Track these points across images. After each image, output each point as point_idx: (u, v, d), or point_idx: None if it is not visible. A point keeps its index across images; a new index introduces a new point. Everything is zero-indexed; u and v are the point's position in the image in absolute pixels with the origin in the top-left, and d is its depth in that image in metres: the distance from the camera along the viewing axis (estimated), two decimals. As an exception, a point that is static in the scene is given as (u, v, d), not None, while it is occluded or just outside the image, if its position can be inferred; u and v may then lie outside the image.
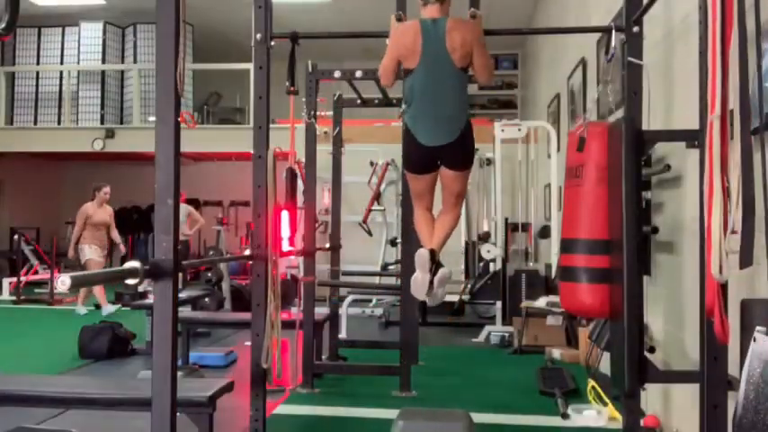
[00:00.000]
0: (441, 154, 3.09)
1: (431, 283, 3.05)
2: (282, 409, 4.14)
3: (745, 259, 1.64)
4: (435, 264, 3.07)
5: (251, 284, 3.56)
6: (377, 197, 8.17)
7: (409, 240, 4.33)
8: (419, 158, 3.14)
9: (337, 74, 4.67)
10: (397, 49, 3.10)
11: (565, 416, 3.90)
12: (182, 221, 9.62)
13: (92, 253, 7.86)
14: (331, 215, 5.74)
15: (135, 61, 11.01)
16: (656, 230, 3.52)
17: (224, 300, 7.51)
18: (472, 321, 7.57)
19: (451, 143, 3.05)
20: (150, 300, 5.58)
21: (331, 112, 5.51)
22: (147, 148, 10.07)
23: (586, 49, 5.55)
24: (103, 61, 10.99)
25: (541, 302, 6.03)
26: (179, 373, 2.18)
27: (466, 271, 8.32)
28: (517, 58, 12.21)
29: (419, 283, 3.06)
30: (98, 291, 8.03)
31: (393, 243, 7.91)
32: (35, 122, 11.15)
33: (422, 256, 3.08)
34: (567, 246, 3.00)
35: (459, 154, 3.12)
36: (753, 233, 1.64)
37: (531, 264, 8.11)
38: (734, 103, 1.68)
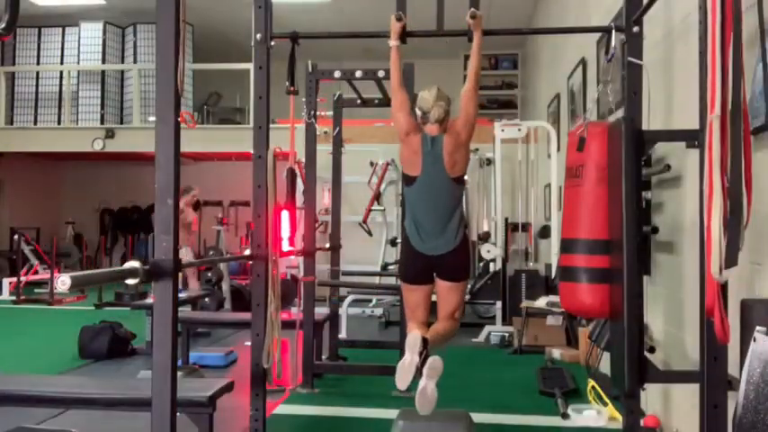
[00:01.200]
0: (437, 264, 3.17)
1: (419, 370, 2.82)
2: (282, 409, 4.14)
3: (731, 259, 1.64)
4: (426, 351, 2.86)
5: (251, 284, 3.56)
6: (377, 197, 8.17)
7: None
8: (415, 267, 3.22)
9: (337, 74, 4.67)
10: (401, 141, 3.23)
11: (565, 416, 3.90)
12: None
13: (187, 254, 7.48)
14: (331, 215, 5.74)
15: (135, 61, 11.00)
16: (656, 230, 3.52)
17: (224, 300, 7.51)
18: (472, 321, 7.56)
19: (448, 253, 3.14)
20: (150, 300, 5.58)
21: (331, 112, 5.51)
22: (147, 148, 10.08)
23: (586, 49, 5.55)
24: (103, 61, 10.99)
25: (541, 302, 6.03)
26: (179, 373, 2.18)
27: (466, 271, 8.30)
28: (517, 58, 12.20)
29: (405, 367, 2.82)
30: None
31: (393, 243, 7.90)
32: (35, 122, 11.14)
33: (412, 337, 2.90)
34: (566, 246, 3.00)
35: (456, 265, 3.19)
36: (738, 233, 1.65)
37: (531, 264, 8.11)
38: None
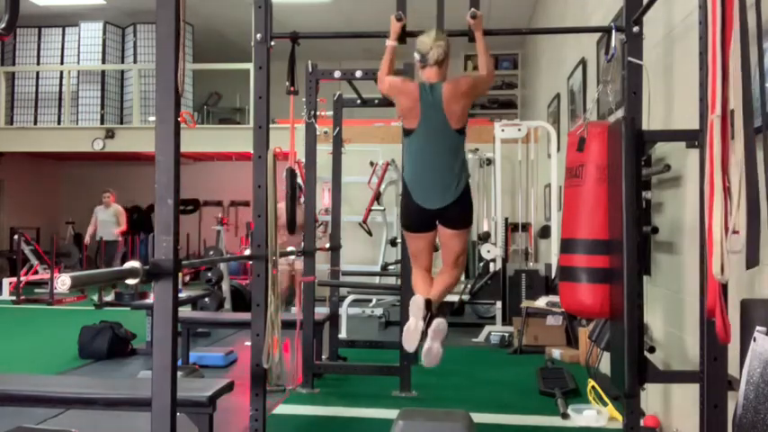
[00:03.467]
0: (438, 214, 3.14)
1: (425, 333, 2.87)
2: (282, 409, 4.14)
3: (752, 260, 1.63)
4: (430, 313, 2.92)
5: (251, 284, 3.56)
6: (377, 197, 8.17)
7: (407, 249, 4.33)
8: (416, 218, 3.18)
9: (337, 74, 4.67)
10: (396, 95, 3.18)
11: (565, 416, 3.90)
12: (112, 221, 9.96)
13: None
14: (331, 215, 5.74)
15: (135, 61, 11.01)
16: (656, 230, 3.52)
17: (224, 300, 7.51)
18: (472, 321, 7.57)
19: (449, 205, 3.10)
20: (150, 300, 5.58)
21: (331, 112, 5.51)
22: (147, 148, 10.09)
23: (586, 49, 5.55)
24: (103, 61, 10.99)
25: (541, 302, 6.03)
26: (179, 373, 2.18)
27: (466, 271, 8.31)
28: (517, 58, 12.21)
29: (411, 331, 2.90)
30: None
31: (393, 243, 7.91)
32: (35, 122, 11.15)
33: (416, 302, 2.95)
34: (566, 246, 2.99)
35: (457, 215, 3.15)
36: (759, 233, 1.64)
37: (531, 264, 8.10)
38: (735, 102, 1.68)
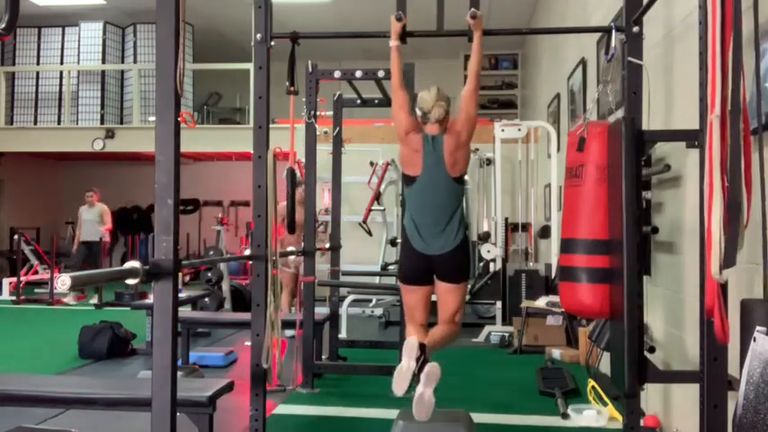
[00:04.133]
0: (436, 264, 3.16)
1: (416, 376, 2.80)
2: (282, 409, 4.14)
3: (729, 260, 1.64)
4: (423, 356, 2.86)
5: (251, 284, 3.56)
6: (377, 197, 8.17)
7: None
8: (415, 267, 3.20)
9: (337, 74, 4.67)
10: (402, 142, 3.23)
11: (565, 416, 3.90)
12: (97, 221, 9.72)
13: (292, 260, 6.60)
14: (331, 215, 5.74)
15: (135, 61, 11.01)
16: (656, 230, 3.52)
17: (224, 300, 7.51)
18: (472, 321, 7.56)
19: (448, 253, 3.13)
20: (150, 300, 5.58)
21: (331, 112, 5.51)
22: (147, 148, 10.09)
23: (586, 49, 5.55)
24: (103, 61, 10.99)
25: (541, 302, 6.03)
26: (179, 373, 2.18)
27: (466, 271, 8.30)
28: (517, 58, 12.21)
29: (402, 373, 2.81)
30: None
31: (393, 243, 7.90)
32: (35, 122, 11.15)
33: (409, 343, 2.89)
34: (566, 246, 2.99)
35: (455, 265, 3.17)
36: (737, 233, 1.65)
37: (531, 264, 8.11)
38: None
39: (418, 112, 3.20)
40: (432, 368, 2.82)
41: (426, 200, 3.17)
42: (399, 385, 2.81)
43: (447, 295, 3.21)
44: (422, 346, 2.89)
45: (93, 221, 9.69)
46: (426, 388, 2.78)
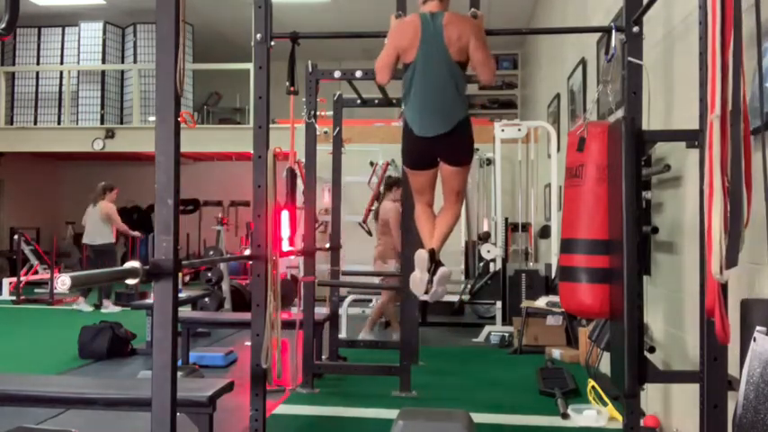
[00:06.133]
0: (438, 147, 3.09)
1: (430, 282, 3.07)
2: (282, 409, 4.14)
3: (731, 260, 1.64)
4: (434, 263, 3.08)
5: (251, 284, 3.55)
6: (377, 197, 8.16)
7: (409, 241, 4.33)
8: (417, 152, 3.15)
9: (337, 74, 4.67)
10: (397, 42, 3.11)
11: (565, 416, 3.90)
12: (100, 219, 8.58)
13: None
14: (331, 215, 5.74)
15: (135, 61, 11.01)
16: (656, 230, 3.52)
17: (224, 300, 7.52)
18: (472, 321, 7.57)
19: (447, 134, 3.04)
20: (150, 300, 5.58)
21: (331, 112, 5.51)
22: (147, 148, 10.08)
23: (586, 49, 5.55)
24: (103, 61, 10.99)
25: (541, 302, 6.03)
26: (179, 373, 2.18)
27: (466, 271, 8.32)
28: (517, 58, 12.21)
29: (417, 282, 3.10)
30: None
31: (393, 243, 7.89)
32: (35, 122, 11.15)
33: (421, 256, 3.11)
34: (566, 246, 3.00)
35: (457, 147, 3.11)
36: (739, 234, 1.65)
37: (531, 264, 8.11)
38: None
39: None
40: (442, 273, 3.08)
41: (424, 79, 3.05)
42: (418, 290, 3.12)
43: (450, 177, 3.19)
44: (431, 254, 3.07)
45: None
46: (439, 287, 3.08)
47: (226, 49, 11.92)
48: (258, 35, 3.18)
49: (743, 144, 1.69)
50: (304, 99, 4.79)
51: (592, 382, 4.03)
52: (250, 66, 8.23)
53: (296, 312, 4.67)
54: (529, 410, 4.12)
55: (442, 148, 3.09)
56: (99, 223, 8.50)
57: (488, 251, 6.87)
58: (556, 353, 5.61)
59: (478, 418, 3.43)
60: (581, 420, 3.83)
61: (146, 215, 13.49)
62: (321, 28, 10.29)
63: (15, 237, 10.11)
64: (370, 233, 7.96)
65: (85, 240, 8.66)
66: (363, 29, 3.85)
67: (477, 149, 8.52)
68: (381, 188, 8.13)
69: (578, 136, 2.92)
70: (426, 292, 3.11)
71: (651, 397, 3.66)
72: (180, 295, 4.49)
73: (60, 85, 11.12)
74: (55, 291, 9.14)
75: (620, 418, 3.60)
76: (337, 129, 5.38)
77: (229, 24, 11.03)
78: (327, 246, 5.53)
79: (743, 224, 1.66)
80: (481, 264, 7.35)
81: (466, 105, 3.14)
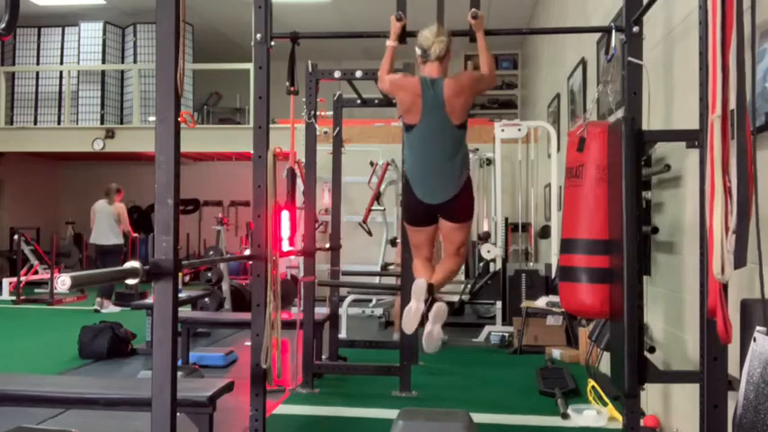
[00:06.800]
0: (440, 209, 3.15)
1: (425, 316, 2.90)
2: (282, 409, 4.14)
3: (740, 260, 1.63)
4: (432, 297, 2.94)
5: (251, 284, 3.56)
6: (377, 197, 8.17)
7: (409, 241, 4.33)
8: (418, 212, 3.19)
9: (337, 74, 4.67)
10: (398, 95, 3.17)
11: (565, 416, 3.90)
12: (114, 220, 8.64)
13: None
14: (331, 215, 5.74)
15: (135, 61, 11.01)
16: (656, 230, 3.52)
17: (224, 300, 7.52)
18: (472, 321, 7.57)
19: (450, 200, 3.10)
20: (150, 300, 5.58)
21: (331, 112, 5.51)
22: (147, 148, 10.08)
23: (586, 49, 5.55)
24: (103, 61, 10.99)
25: (541, 302, 6.03)
26: (179, 373, 2.18)
27: (466, 271, 8.32)
28: (517, 58, 12.21)
29: (411, 314, 2.93)
30: None
31: (393, 243, 7.90)
32: (35, 122, 11.15)
33: (417, 285, 2.97)
34: (566, 246, 2.99)
35: (459, 209, 3.16)
36: (747, 233, 1.64)
37: (531, 264, 8.11)
38: (735, 102, 1.68)
39: (418, 51, 3.14)
40: (439, 307, 2.91)
41: (427, 147, 3.10)
42: (409, 325, 2.92)
43: (452, 233, 3.20)
44: (429, 287, 2.95)
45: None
46: (434, 325, 2.90)
47: (226, 49, 11.92)
48: (258, 35, 3.18)
49: (747, 143, 1.69)
50: (304, 99, 4.79)
51: (592, 382, 4.03)
52: (250, 66, 8.23)
53: (296, 312, 4.66)
54: (529, 410, 4.11)
55: (443, 210, 3.15)
56: (113, 223, 8.55)
57: (488, 251, 6.87)
58: (556, 353, 5.61)
59: (478, 418, 3.43)
60: (581, 420, 3.83)
61: (146, 215, 13.49)
62: (321, 28, 10.30)
63: (15, 237, 10.11)
64: (370, 233, 7.97)
65: (95, 240, 8.66)
66: (363, 29, 3.86)
67: (477, 149, 8.57)
68: (382, 188, 8.15)
69: (578, 136, 2.92)
70: (422, 324, 2.92)
71: (651, 397, 3.66)
72: (180, 295, 4.49)
73: (60, 85, 11.12)
74: (55, 291, 9.14)
75: (620, 418, 3.60)
76: (337, 129, 5.38)
77: (229, 24, 11.03)
78: (327, 246, 5.53)
79: (749, 223, 1.66)
80: (481, 264, 7.35)
81: (467, 167, 3.18)
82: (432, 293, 2.96)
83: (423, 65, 3.16)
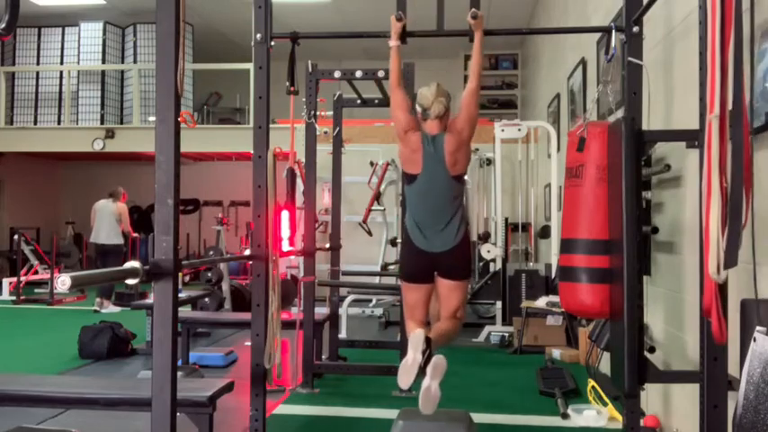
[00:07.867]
0: (437, 261, 3.17)
1: (422, 369, 2.76)
2: (282, 409, 4.14)
3: (730, 260, 1.64)
4: (429, 350, 2.81)
5: (251, 284, 3.56)
6: (377, 197, 8.17)
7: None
8: (416, 265, 3.21)
9: (337, 74, 4.67)
10: (402, 145, 3.23)
11: (565, 416, 3.90)
12: (116, 219, 8.71)
13: None
14: (331, 215, 5.74)
15: (135, 61, 11.01)
16: (656, 230, 3.52)
17: (224, 300, 7.52)
18: (472, 321, 7.55)
19: (449, 251, 3.14)
20: (150, 300, 5.58)
21: (331, 112, 5.52)
22: (147, 148, 10.08)
23: (586, 49, 5.55)
24: (103, 61, 10.99)
25: (541, 302, 6.03)
26: (179, 373, 2.18)
27: (466, 271, 8.30)
28: (517, 58, 12.21)
29: (408, 366, 2.77)
30: None
31: (393, 243, 7.91)
32: (35, 122, 11.15)
33: (416, 335, 2.85)
34: (566, 246, 3.00)
35: (457, 263, 3.19)
36: (738, 234, 1.65)
37: (531, 264, 8.11)
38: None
39: (418, 109, 3.21)
40: (438, 360, 2.79)
41: (427, 199, 3.18)
42: (405, 378, 2.77)
43: (449, 293, 3.22)
44: (427, 340, 2.87)
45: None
46: (433, 381, 2.75)
47: (226, 49, 11.92)
48: (258, 35, 3.18)
49: (744, 144, 1.69)
50: (304, 99, 4.80)
51: (592, 382, 4.03)
52: (250, 66, 8.23)
53: (296, 312, 4.66)
54: (529, 410, 4.12)
55: (441, 262, 3.17)
56: (114, 223, 8.59)
57: (488, 251, 6.87)
58: (556, 353, 5.61)
59: (478, 418, 3.43)
60: (581, 420, 3.83)
61: (146, 215, 13.49)
62: (321, 28, 10.29)
63: (15, 237, 10.11)
64: (370, 233, 7.97)
65: (96, 239, 8.69)
66: (363, 29, 3.86)
67: (477, 149, 8.57)
68: (382, 188, 8.15)
69: (578, 136, 2.92)
70: (422, 372, 2.75)
71: (651, 397, 3.66)
72: (180, 295, 4.49)
73: (60, 84, 11.11)
74: (55, 291, 9.14)
75: (620, 418, 3.60)
76: (337, 129, 5.38)
77: (229, 24, 11.03)
78: (327, 246, 5.53)
79: (741, 224, 1.66)
80: (481, 264, 7.35)
81: (466, 222, 3.23)
82: (430, 346, 2.84)
83: (423, 121, 3.22)
